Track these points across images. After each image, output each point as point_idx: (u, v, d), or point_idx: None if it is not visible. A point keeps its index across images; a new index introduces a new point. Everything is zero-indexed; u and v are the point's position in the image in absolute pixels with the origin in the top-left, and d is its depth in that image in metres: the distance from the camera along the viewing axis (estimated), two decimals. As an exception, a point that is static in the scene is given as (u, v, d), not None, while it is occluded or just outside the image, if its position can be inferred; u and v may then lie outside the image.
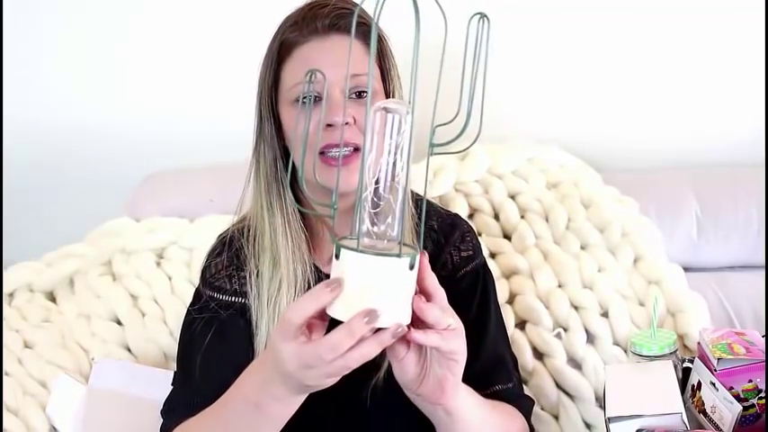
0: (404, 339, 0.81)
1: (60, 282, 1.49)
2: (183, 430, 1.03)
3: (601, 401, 1.32)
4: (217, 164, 1.60)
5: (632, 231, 1.46)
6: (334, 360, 0.79)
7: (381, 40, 1.08)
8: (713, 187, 1.54)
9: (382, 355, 0.82)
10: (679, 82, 1.63)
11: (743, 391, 1.08)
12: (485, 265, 1.18)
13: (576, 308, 1.41)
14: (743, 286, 1.49)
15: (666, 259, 1.47)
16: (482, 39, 0.78)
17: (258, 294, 1.08)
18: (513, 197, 1.52)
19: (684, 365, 1.16)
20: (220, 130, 1.64)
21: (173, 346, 1.39)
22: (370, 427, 1.10)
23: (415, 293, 0.81)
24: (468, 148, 0.85)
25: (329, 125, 1.02)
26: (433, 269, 0.84)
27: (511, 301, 1.44)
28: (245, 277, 1.11)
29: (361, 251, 0.78)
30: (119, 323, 1.44)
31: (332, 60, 1.02)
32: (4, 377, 1.33)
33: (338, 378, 0.83)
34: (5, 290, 1.47)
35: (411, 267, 0.79)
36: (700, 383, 1.10)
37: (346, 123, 1.01)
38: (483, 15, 0.78)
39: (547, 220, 1.49)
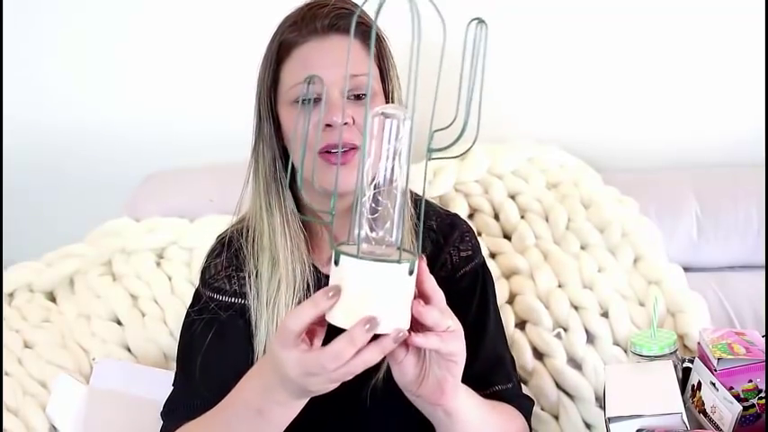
0: (403, 342, 0.81)
1: (60, 282, 1.49)
2: (184, 433, 1.03)
3: (601, 401, 1.32)
4: (217, 164, 1.60)
5: (632, 231, 1.46)
6: (336, 369, 0.79)
7: (381, 41, 1.08)
8: (713, 187, 1.54)
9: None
10: (679, 82, 1.63)
11: (743, 391, 1.08)
12: (484, 265, 1.18)
13: (576, 308, 1.41)
14: (743, 286, 1.49)
15: (666, 259, 1.47)
16: (480, 44, 0.78)
17: (257, 295, 1.08)
18: (513, 197, 1.52)
19: (684, 365, 1.16)
20: (220, 130, 1.64)
21: (173, 346, 1.39)
22: (370, 427, 1.10)
23: (414, 296, 0.81)
24: (465, 152, 0.85)
25: (328, 125, 1.02)
26: (433, 269, 0.84)
27: (511, 301, 1.44)
28: (244, 278, 1.11)
29: (360, 257, 0.78)
30: (119, 323, 1.44)
31: (331, 61, 1.02)
32: (4, 377, 1.33)
33: (340, 382, 0.83)
34: (5, 290, 1.47)
35: (410, 273, 0.79)
36: (700, 383, 1.10)
37: (345, 124, 1.01)
38: (481, 21, 0.78)
39: (547, 220, 1.49)
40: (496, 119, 1.49)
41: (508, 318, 1.40)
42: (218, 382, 1.00)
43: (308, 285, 1.07)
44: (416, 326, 0.82)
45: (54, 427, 1.32)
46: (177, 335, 1.21)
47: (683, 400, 1.04)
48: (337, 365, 0.79)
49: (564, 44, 1.63)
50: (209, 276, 1.14)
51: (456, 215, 1.22)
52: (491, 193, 1.52)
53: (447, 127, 0.81)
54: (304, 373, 0.81)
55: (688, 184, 1.55)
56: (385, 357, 0.83)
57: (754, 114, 1.61)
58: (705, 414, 1.08)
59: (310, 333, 0.83)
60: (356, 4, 1.03)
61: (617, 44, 1.62)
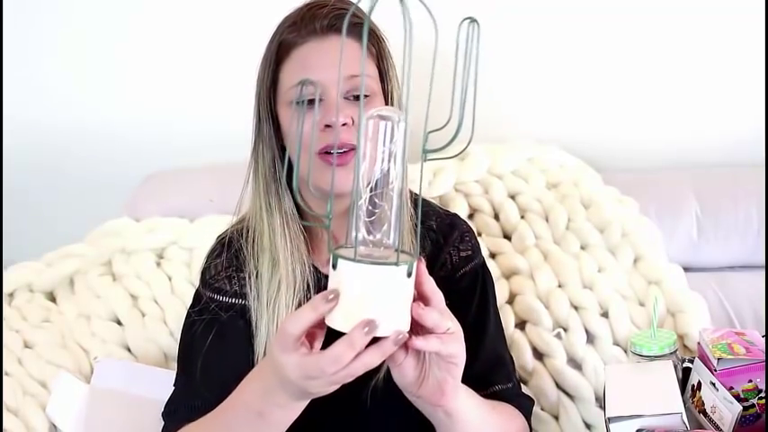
0: (403, 344, 0.81)
1: (60, 282, 1.49)
2: (185, 434, 1.03)
3: (601, 401, 1.32)
4: (217, 164, 1.60)
5: (632, 231, 1.46)
6: (336, 372, 0.79)
7: (380, 41, 1.08)
8: (713, 187, 1.54)
9: None
10: (679, 82, 1.63)
11: (743, 391, 1.08)
12: (484, 264, 1.18)
13: (576, 308, 1.41)
14: (743, 286, 1.49)
15: (666, 259, 1.46)
16: (472, 43, 0.78)
17: (258, 295, 1.08)
18: (513, 197, 1.52)
19: (684, 365, 1.16)
20: (220, 130, 1.64)
21: (173, 346, 1.39)
22: (371, 427, 1.10)
23: (413, 297, 0.81)
24: (461, 152, 0.85)
25: (328, 126, 1.02)
26: (432, 269, 0.84)
27: (511, 301, 1.44)
28: (244, 278, 1.11)
29: (358, 261, 0.78)
30: (119, 323, 1.44)
31: (330, 61, 1.01)
32: (4, 377, 1.33)
33: (341, 385, 0.83)
34: (5, 290, 1.47)
35: (409, 275, 0.79)
36: (700, 383, 1.10)
37: (344, 124, 1.01)
38: (473, 20, 0.78)
39: (547, 221, 1.49)
40: (496, 119, 1.49)
41: (508, 318, 1.40)
42: (219, 382, 1.00)
43: (309, 286, 1.07)
44: (416, 328, 0.82)
45: (54, 425, 1.32)
46: (177, 335, 1.21)
47: (683, 400, 1.04)
48: (337, 369, 0.79)
49: (564, 44, 1.63)
50: (209, 277, 1.14)
51: (456, 215, 1.22)
52: (491, 193, 1.52)
53: (441, 128, 0.81)
54: (304, 376, 0.81)
55: (688, 184, 1.55)
56: (385, 361, 0.83)
57: (754, 114, 1.61)
58: (705, 414, 1.08)
59: (311, 335, 0.83)
60: (354, 5, 1.03)
61: (617, 44, 1.62)
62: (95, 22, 1.72)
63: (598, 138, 1.66)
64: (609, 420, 1.01)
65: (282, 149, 1.09)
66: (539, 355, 1.40)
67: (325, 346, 0.81)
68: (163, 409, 1.11)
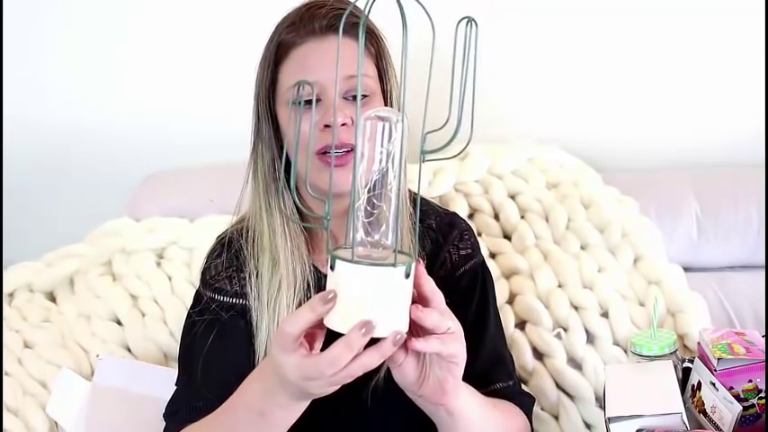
0: (402, 345, 0.81)
1: (60, 282, 1.49)
2: (186, 435, 1.03)
3: (601, 401, 1.32)
4: (217, 164, 1.60)
5: (632, 231, 1.46)
6: (335, 373, 0.79)
7: (379, 41, 1.08)
8: (713, 187, 1.54)
9: None
10: (679, 82, 1.63)
11: (743, 391, 1.08)
12: (483, 263, 1.18)
13: (576, 308, 1.41)
14: (743, 286, 1.49)
15: (666, 259, 1.46)
16: (470, 43, 0.78)
17: (258, 295, 1.08)
18: (513, 197, 1.52)
19: (684, 365, 1.16)
20: (220, 130, 1.64)
21: (173, 346, 1.39)
22: (371, 427, 1.10)
23: (413, 298, 0.81)
24: (460, 153, 0.85)
25: (327, 126, 1.02)
26: (432, 268, 0.84)
27: (511, 301, 1.44)
28: (245, 278, 1.10)
29: (356, 262, 0.78)
30: (119, 323, 1.44)
31: (329, 61, 1.02)
32: (4, 377, 1.33)
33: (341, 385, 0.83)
34: (5, 290, 1.47)
35: (407, 276, 0.79)
36: (700, 383, 1.10)
37: (343, 124, 1.01)
38: (471, 19, 0.77)
39: (547, 221, 1.49)
40: (496, 119, 1.50)
41: (508, 318, 1.40)
42: (220, 383, 1.00)
43: (309, 286, 1.07)
44: (416, 328, 0.82)
45: (55, 423, 1.32)
46: (177, 335, 1.21)
47: (683, 400, 1.04)
48: (335, 370, 0.79)
49: (564, 44, 1.63)
50: (209, 277, 1.14)
51: (455, 214, 1.22)
52: (491, 193, 1.52)
53: (440, 128, 0.81)
54: (302, 377, 0.81)
55: (688, 184, 1.55)
56: (385, 361, 0.83)
57: (754, 114, 1.61)
58: (705, 414, 1.08)
59: (311, 336, 0.83)
60: (352, 4, 1.03)
61: (617, 44, 1.62)
62: (95, 22, 1.72)
63: (598, 138, 1.66)
64: (609, 420, 1.01)
65: (282, 150, 1.09)
66: (539, 355, 1.40)
67: (325, 346, 0.81)
68: (164, 410, 1.11)
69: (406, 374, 0.86)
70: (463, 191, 1.52)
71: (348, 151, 1.02)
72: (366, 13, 0.78)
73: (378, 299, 0.78)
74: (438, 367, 0.86)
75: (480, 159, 1.53)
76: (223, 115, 1.61)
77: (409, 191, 1.07)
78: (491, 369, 1.11)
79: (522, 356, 1.38)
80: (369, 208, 0.80)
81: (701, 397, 1.09)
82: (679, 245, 1.51)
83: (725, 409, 1.04)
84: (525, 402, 1.12)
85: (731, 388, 1.07)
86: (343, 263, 0.78)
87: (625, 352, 1.35)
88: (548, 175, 1.54)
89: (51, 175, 1.81)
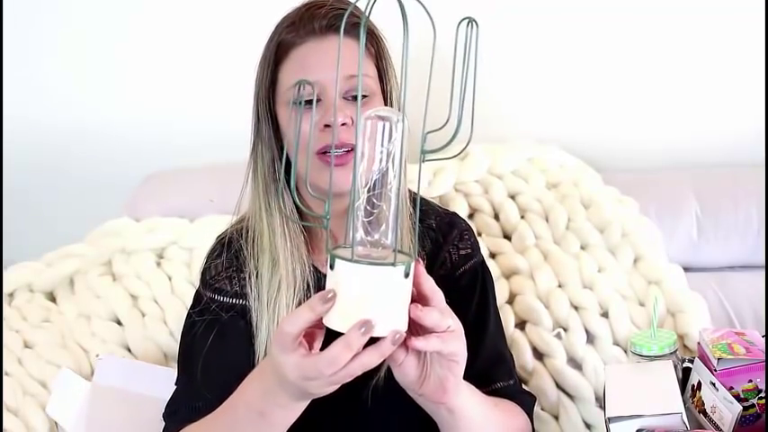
0: (402, 344, 0.81)
1: (60, 282, 1.49)
2: (186, 435, 1.03)
3: (601, 401, 1.32)
4: (217, 164, 1.60)
5: (632, 231, 1.46)
6: (334, 373, 0.79)
7: (379, 41, 1.08)
8: (713, 187, 1.54)
9: None
10: (679, 82, 1.63)
11: (743, 391, 1.08)
12: (483, 263, 1.18)
13: (576, 308, 1.41)
14: (743, 286, 1.49)
15: (666, 259, 1.46)
16: (471, 43, 0.78)
17: (258, 296, 1.08)
18: (513, 197, 1.52)
19: (684, 365, 1.16)
20: (220, 130, 1.64)
21: (173, 346, 1.39)
22: (372, 426, 1.10)
23: (413, 297, 0.81)
24: (460, 153, 0.85)
25: (327, 126, 1.02)
26: (432, 267, 0.84)
27: (511, 301, 1.44)
28: (245, 278, 1.10)
29: (356, 261, 0.78)
30: (119, 323, 1.44)
31: (329, 61, 1.02)
32: (4, 377, 1.33)
33: (341, 384, 0.83)
34: (5, 290, 1.47)
35: (406, 275, 0.79)
36: (700, 383, 1.10)
37: (343, 124, 1.01)
38: (471, 20, 0.77)
39: (547, 221, 1.49)
40: (496, 119, 1.50)
41: (508, 318, 1.40)
42: (220, 383, 1.00)
43: (309, 286, 1.07)
44: (416, 327, 0.82)
45: (55, 423, 1.32)
46: (177, 335, 1.21)
47: (683, 400, 1.04)
48: (334, 370, 0.79)
49: (564, 44, 1.63)
50: (209, 277, 1.14)
51: (455, 214, 1.22)
52: (491, 193, 1.52)
53: (440, 128, 0.81)
54: (302, 376, 0.81)
55: (688, 184, 1.55)
56: (386, 360, 0.83)
57: (754, 114, 1.61)
58: (705, 414, 1.08)
59: (310, 336, 0.83)
60: (353, 4, 1.03)
61: (617, 44, 1.62)
62: (95, 22, 1.72)
63: (598, 138, 1.66)
64: (609, 420, 1.01)
65: (282, 150, 1.09)
66: (539, 354, 1.40)
67: (325, 345, 0.81)
68: (164, 410, 1.11)
69: (406, 373, 0.86)
70: (463, 191, 1.52)
71: (348, 151, 1.02)
72: (367, 13, 0.78)
73: (377, 298, 0.78)
74: (439, 366, 0.86)
75: (480, 159, 1.53)
76: (223, 115, 1.61)
77: (409, 191, 1.07)
78: (492, 368, 1.11)
79: (522, 356, 1.38)
80: (369, 207, 0.80)
81: (701, 397, 1.09)
82: (679, 245, 1.51)
83: (725, 409, 1.04)
84: (526, 401, 1.12)
85: (731, 388, 1.07)
86: (342, 262, 0.78)
87: (625, 352, 1.35)
88: (548, 175, 1.54)
89: (51, 175, 1.81)
